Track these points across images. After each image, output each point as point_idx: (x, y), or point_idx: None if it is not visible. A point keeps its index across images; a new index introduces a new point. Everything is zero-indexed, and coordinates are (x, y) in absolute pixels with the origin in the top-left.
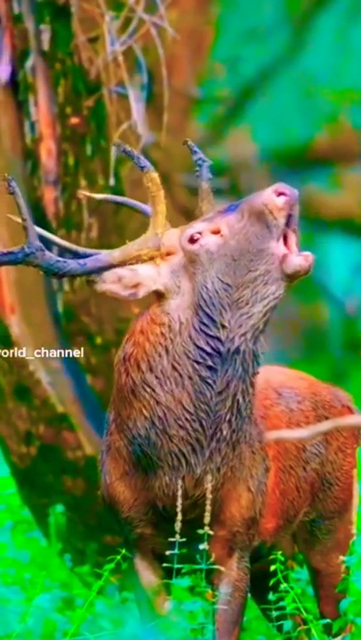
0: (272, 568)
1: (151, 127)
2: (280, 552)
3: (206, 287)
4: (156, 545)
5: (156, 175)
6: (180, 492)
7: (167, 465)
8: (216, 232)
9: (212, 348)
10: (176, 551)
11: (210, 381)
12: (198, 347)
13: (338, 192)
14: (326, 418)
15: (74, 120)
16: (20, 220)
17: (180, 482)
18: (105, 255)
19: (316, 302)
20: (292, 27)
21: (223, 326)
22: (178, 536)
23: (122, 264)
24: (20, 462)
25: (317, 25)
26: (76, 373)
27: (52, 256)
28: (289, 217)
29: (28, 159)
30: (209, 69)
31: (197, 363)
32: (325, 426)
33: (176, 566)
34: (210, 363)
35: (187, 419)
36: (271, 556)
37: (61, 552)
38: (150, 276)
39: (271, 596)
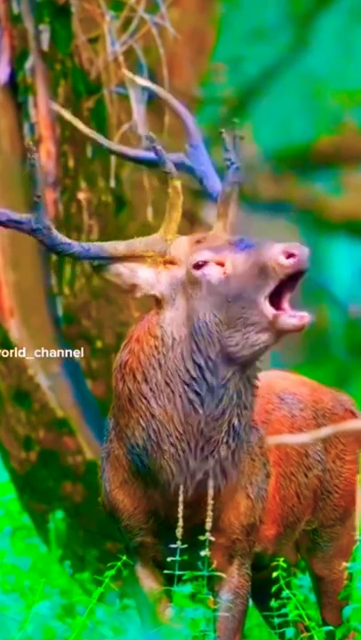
0: (274, 575)
1: (152, 128)
2: (282, 559)
3: (199, 316)
4: (157, 553)
5: (178, 183)
6: (181, 498)
7: (163, 477)
8: (221, 265)
9: (198, 375)
10: (178, 558)
11: (196, 405)
12: (187, 369)
13: (342, 194)
14: (326, 426)
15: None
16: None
17: (181, 487)
18: (110, 245)
19: (320, 305)
20: (295, 26)
21: (210, 358)
22: (179, 542)
23: (125, 259)
24: (20, 468)
25: (321, 25)
26: (76, 377)
27: (58, 235)
28: (296, 274)
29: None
30: (211, 70)
31: (186, 384)
32: (327, 431)
33: (177, 573)
34: (196, 388)
35: (177, 437)
36: (273, 563)
37: (61, 558)
38: (148, 280)
39: (273, 603)
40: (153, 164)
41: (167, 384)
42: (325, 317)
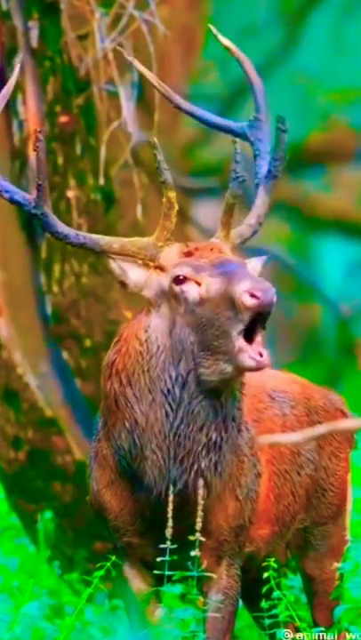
0: (265, 575)
1: (142, 126)
2: (273, 559)
3: (178, 331)
4: (144, 554)
5: (173, 195)
6: (171, 498)
7: (146, 481)
8: (199, 284)
9: (170, 387)
10: (167, 558)
11: (170, 418)
12: (165, 379)
13: (332, 191)
14: (320, 423)
15: (63, 119)
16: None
17: (171, 487)
18: (105, 242)
19: (310, 304)
20: (285, 24)
21: (181, 375)
22: (169, 542)
23: (118, 256)
24: (9, 467)
25: (311, 22)
26: (65, 377)
27: (55, 222)
28: (260, 314)
29: (17, 159)
30: (201, 67)
31: (164, 395)
32: (319, 430)
33: (167, 573)
34: (170, 400)
35: (157, 445)
36: (264, 564)
37: (50, 559)
38: (137, 283)
39: (264, 604)
40: (224, 130)
41: (150, 391)
42: (316, 316)
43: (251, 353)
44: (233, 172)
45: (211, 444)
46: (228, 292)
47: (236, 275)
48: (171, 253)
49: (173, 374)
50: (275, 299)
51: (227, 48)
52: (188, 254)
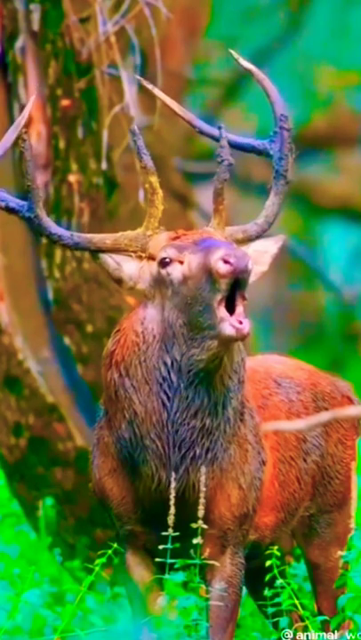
0: (268, 563)
1: (144, 110)
2: (276, 547)
3: (166, 316)
4: (146, 542)
5: (154, 179)
6: (173, 485)
7: (146, 471)
8: (182, 264)
9: (166, 375)
10: (170, 546)
11: (167, 406)
12: (160, 368)
13: (336, 177)
14: (326, 409)
15: (65, 102)
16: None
17: (173, 474)
18: (99, 239)
19: (314, 290)
20: (289, 7)
21: (175, 359)
22: (171, 530)
23: (112, 251)
24: (10, 454)
25: (315, 6)
26: (66, 362)
27: (49, 224)
28: (237, 281)
29: (17, 144)
30: (204, 50)
31: (160, 384)
32: (323, 417)
33: (169, 561)
34: (165, 388)
35: (156, 434)
36: (267, 551)
37: (51, 546)
38: (131, 276)
39: (267, 592)
40: (247, 149)
41: (146, 382)
42: (320, 302)
43: (231, 321)
44: (218, 157)
45: (204, 431)
46: (205, 264)
47: (212, 246)
48: (159, 241)
49: (168, 360)
50: (250, 265)
51: (248, 70)
52: (176, 239)
